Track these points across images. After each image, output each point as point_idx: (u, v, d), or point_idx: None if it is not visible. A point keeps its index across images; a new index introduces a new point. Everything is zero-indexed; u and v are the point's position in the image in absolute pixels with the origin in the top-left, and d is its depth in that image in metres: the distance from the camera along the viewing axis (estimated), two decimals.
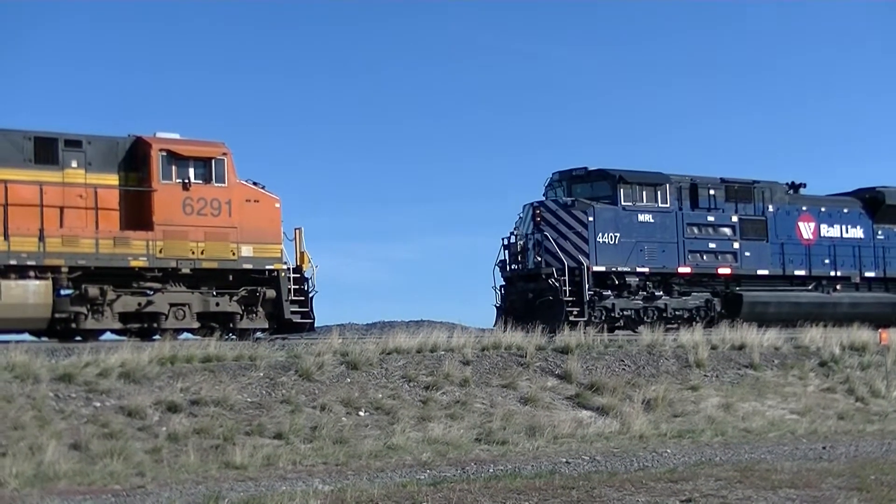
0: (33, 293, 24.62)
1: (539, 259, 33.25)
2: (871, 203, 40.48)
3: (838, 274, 38.79)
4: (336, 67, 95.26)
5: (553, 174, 35.60)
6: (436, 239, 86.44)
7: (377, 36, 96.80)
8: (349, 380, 22.72)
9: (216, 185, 26.84)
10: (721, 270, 35.92)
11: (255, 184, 27.76)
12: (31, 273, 24.74)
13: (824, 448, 21.70)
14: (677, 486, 16.40)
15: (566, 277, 32.39)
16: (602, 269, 33.34)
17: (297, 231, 28.51)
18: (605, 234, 33.57)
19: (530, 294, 33.26)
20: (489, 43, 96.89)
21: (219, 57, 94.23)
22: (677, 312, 34.70)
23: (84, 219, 25.59)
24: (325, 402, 21.43)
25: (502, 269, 34.51)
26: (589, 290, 32.72)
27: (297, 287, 27.99)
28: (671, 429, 23.40)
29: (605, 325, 32.55)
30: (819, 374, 28.76)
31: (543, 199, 34.79)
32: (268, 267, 27.42)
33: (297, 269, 28.15)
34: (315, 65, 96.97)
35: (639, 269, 34.10)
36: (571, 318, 31.84)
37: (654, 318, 33.92)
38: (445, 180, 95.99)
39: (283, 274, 27.63)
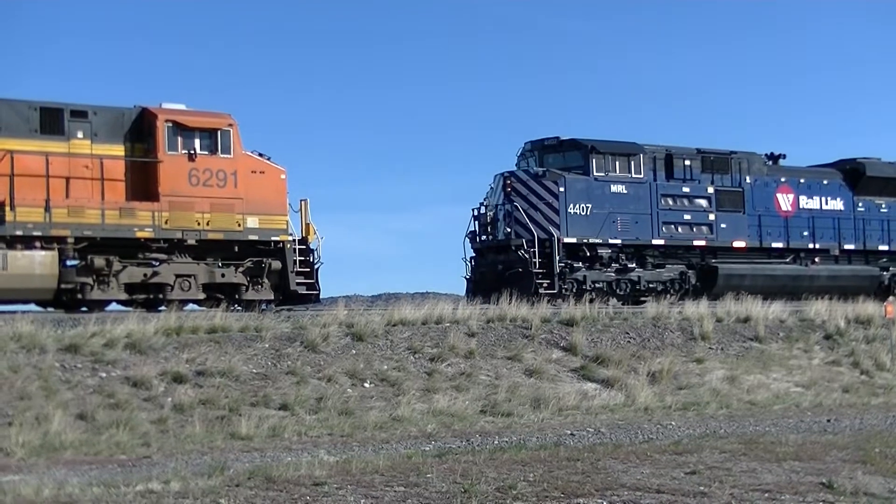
0: (39, 264, 24.62)
1: (509, 230, 33.00)
2: (852, 175, 40.07)
3: (817, 246, 38.46)
4: (340, 40, 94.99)
5: (525, 144, 35.24)
6: (441, 210, 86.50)
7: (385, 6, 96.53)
8: (354, 351, 22.73)
9: (222, 156, 26.77)
10: (696, 242, 35.65)
11: (260, 155, 27.70)
12: (38, 244, 24.72)
13: (829, 421, 21.68)
14: (682, 458, 16.38)
15: (536, 249, 32.18)
16: (573, 240, 33.06)
17: (303, 202, 28.47)
18: (577, 205, 33.24)
19: (500, 266, 33.02)
20: (498, 13, 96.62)
21: (225, 27, 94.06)
22: (651, 285, 34.46)
23: (90, 189, 25.54)
24: (330, 374, 21.45)
25: (472, 240, 34.22)
26: (560, 261, 32.47)
27: (302, 258, 27.95)
28: (676, 401, 23.40)
29: (610, 298, 32.39)
30: (824, 347, 28.73)
31: (515, 169, 34.50)
32: (273, 238, 27.39)
33: (303, 241, 28.10)
34: (320, 38, 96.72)
35: (611, 241, 33.78)
36: (541, 291, 31.49)
37: (627, 290, 33.75)
38: (452, 151, 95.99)
39: (288, 245, 27.58)
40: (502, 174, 33.72)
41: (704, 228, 35.95)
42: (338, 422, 19.37)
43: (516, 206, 32.81)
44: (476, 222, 34.20)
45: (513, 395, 22.12)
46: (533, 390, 22.71)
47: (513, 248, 32.69)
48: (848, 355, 28.40)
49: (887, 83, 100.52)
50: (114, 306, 26.19)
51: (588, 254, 33.40)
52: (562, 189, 33.08)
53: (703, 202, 36.06)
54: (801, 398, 24.96)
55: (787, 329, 29.29)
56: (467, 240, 34.26)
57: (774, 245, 37.56)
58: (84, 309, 25.45)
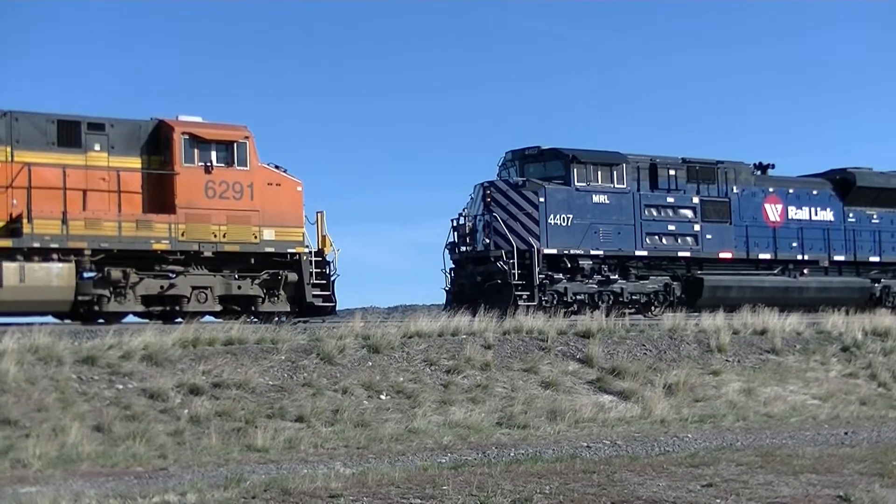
0: (56, 276, 24.68)
1: (488, 241, 32.59)
2: (842, 185, 39.48)
3: (806, 257, 37.90)
4: (353, 50, 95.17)
5: (506, 153, 34.78)
6: None
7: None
8: (371, 363, 22.75)
9: (238, 168, 26.84)
10: (681, 253, 35.20)
11: (276, 167, 27.76)
12: (55, 256, 24.78)
13: (846, 433, 21.63)
14: (698, 470, 16.37)
15: (515, 260, 31.80)
16: (554, 251, 32.61)
17: (319, 214, 28.54)
18: (558, 216, 32.80)
19: (479, 277, 32.65)
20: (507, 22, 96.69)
21: (240, 39, 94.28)
22: (634, 297, 34.04)
23: (107, 202, 25.64)
24: (346, 386, 21.47)
25: (451, 251, 33.82)
26: (540, 273, 32.11)
27: (318, 270, 27.99)
28: (692, 413, 23.38)
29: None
30: (841, 359, 28.62)
31: (496, 178, 34.10)
32: (290, 250, 27.45)
33: (319, 253, 28.16)
34: (334, 48, 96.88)
35: (593, 252, 33.30)
36: (521, 303, 31.07)
37: (610, 302, 33.20)
38: (472, 160, 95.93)
39: (304, 257, 27.63)
40: (482, 184, 33.31)
41: (689, 239, 35.46)
42: (354, 434, 19.38)
43: (495, 217, 32.40)
44: (455, 233, 33.75)
45: (529, 408, 22.12)
46: (549, 402, 22.70)
47: (492, 259, 32.28)
48: (865, 367, 28.30)
49: (879, 92, 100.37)
50: (131, 318, 26.27)
51: (569, 265, 32.93)
52: (542, 199, 32.67)
53: (688, 212, 35.60)
54: (818, 411, 24.88)
55: (803, 341, 29.22)
56: (446, 251, 33.85)
57: (762, 256, 37.09)
58: (101, 321, 25.51)
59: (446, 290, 33.81)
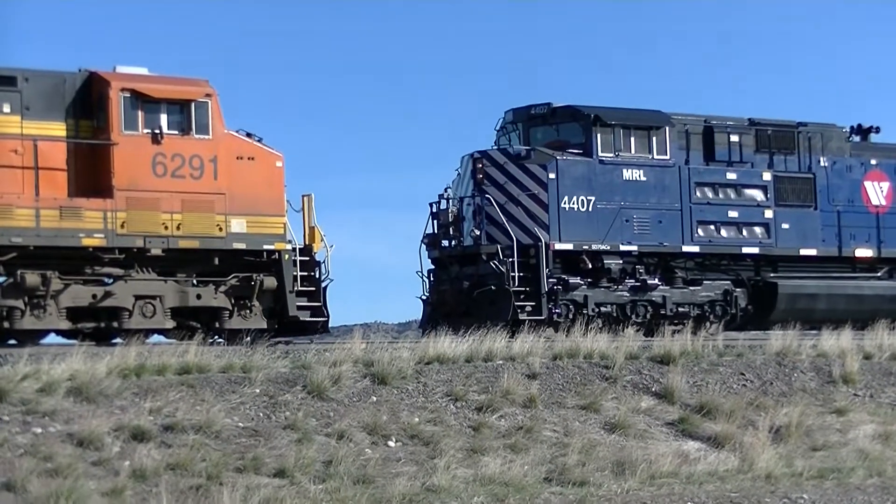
0: None
1: (478, 232, 32.33)
2: None
3: None
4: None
5: (506, 113, 34.59)
6: None
7: None
8: (375, 398, 22.79)
9: (197, 136, 26.92)
10: (747, 250, 35.18)
11: (248, 136, 27.80)
12: None
13: None
14: None
15: (515, 259, 31.60)
16: (569, 246, 32.55)
17: (307, 199, 28.56)
18: (574, 198, 32.72)
19: (466, 282, 32.48)
20: None
21: None
22: (682, 309, 33.84)
23: (20, 182, 25.73)
24: (342, 429, 21.48)
25: (430, 246, 33.62)
26: (549, 276, 31.92)
27: (305, 274, 28.05)
28: (809, 466, 23.41)
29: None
30: None
31: (491, 148, 33.83)
32: (266, 247, 27.53)
33: (306, 251, 28.23)
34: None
35: (623, 248, 33.25)
36: (523, 317, 31.02)
37: (648, 316, 33.17)
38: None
39: (286, 256, 27.70)
40: (471, 155, 32.98)
41: (758, 230, 35.47)
42: (353, 493, 19.38)
43: (489, 199, 32.22)
44: (435, 221, 33.54)
45: (588, 458, 22.12)
46: (615, 451, 22.73)
47: (484, 257, 32.11)
48: None
49: None
50: (52, 338, 26.29)
51: (590, 265, 32.84)
52: (552, 175, 32.58)
53: (757, 193, 35.58)
54: None
55: None
56: (423, 245, 33.66)
57: (860, 253, 36.98)
58: (12, 342, 25.57)
59: (423, 300, 33.68)
